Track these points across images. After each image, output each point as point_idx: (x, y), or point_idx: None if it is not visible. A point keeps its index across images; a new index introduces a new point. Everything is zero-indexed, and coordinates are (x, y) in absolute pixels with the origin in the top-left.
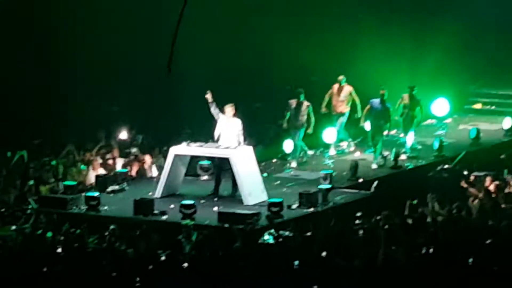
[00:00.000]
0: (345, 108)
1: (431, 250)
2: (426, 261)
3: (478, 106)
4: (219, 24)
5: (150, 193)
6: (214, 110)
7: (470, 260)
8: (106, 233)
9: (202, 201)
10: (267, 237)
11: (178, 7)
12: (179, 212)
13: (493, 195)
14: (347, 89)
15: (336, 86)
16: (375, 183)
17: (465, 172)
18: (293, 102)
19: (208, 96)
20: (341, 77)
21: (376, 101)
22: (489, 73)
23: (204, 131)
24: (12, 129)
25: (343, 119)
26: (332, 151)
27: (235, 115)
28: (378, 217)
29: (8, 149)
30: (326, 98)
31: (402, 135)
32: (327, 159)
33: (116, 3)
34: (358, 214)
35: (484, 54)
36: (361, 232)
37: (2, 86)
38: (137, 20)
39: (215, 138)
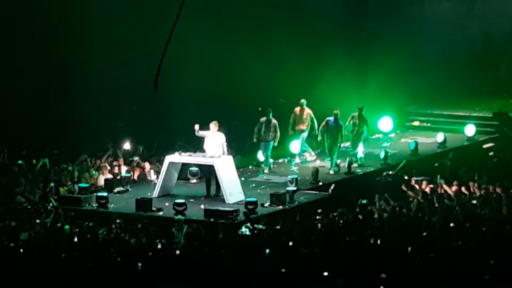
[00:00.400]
0: (305, 126)
1: (378, 241)
2: (374, 249)
3: (416, 123)
4: (205, 55)
5: (149, 194)
6: (198, 134)
7: (409, 248)
8: (113, 226)
9: (192, 200)
10: (244, 230)
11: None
12: (172, 209)
13: (429, 196)
14: (307, 111)
15: (298, 108)
16: (332, 186)
17: (406, 177)
18: (263, 120)
19: (196, 127)
20: (302, 101)
21: (331, 119)
22: (425, 96)
23: (192, 143)
24: (36, 141)
25: (305, 135)
26: (297, 160)
27: (218, 129)
28: (335, 214)
29: (33, 157)
30: (291, 121)
31: (348, 144)
32: (293, 166)
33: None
34: (319, 211)
35: (421, 79)
36: (320, 225)
37: (33, 110)
38: (135, 48)
39: (205, 149)
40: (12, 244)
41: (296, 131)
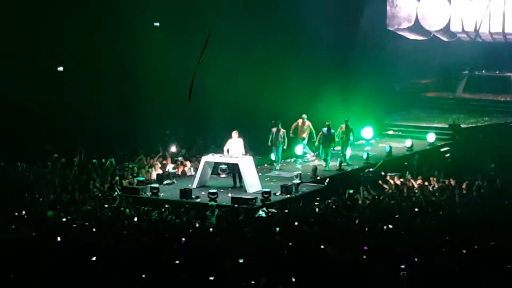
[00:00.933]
0: (306, 135)
1: (361, 221)
2: (358, 227)
3: (390, 132)
4: (231, 79)
5: (190, 185)
6: (225, 148)
7: (385, 227)
8: (163, 210)
9: (221, 190)
10: (261, 213)
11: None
12: (207, 197)
13: (399, 187)
14: (307, 123)
15: (300, 120)
16: (327, 180)
17: (382, 173)
18: (274, 130)
19: (225, 150)
20: (303, 115)
21: (325, 129)
22: (397, 110)
23: (222, 146)
24: (105, 145)
25: (305, 141)
26: (300, 160)
27: (238, 136)
28: (329, 201)
29: (103, 157)
30: (293, 127)
31: (339, 148)
32: (297, 165)
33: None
34: (317, 198)
35: (394, 98)
36: (318, 210)
37: (104, 121)
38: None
39: (224, 151)
40: (87, 223)
41: (298, 138)
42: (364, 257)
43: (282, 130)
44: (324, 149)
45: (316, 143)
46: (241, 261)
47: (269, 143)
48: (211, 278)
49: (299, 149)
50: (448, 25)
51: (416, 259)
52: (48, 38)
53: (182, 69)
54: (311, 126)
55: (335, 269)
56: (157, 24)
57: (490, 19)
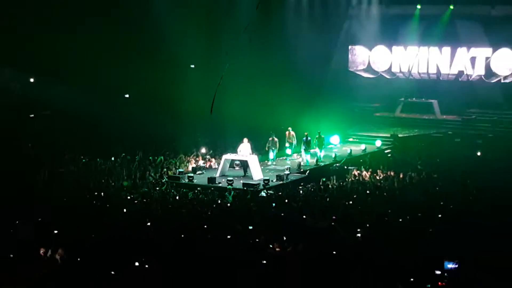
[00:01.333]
0: (291, 141)
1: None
2: (329, 203)
3: (351, 139)
4: (246, 98)
5: (214, 175)
6: (239, 149)
7: (347, 203)
8: (196, 191)
9: (236, 178)
10: (262, 194)
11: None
12: (226, 182)
13: (357, 177)
14: (292, 133)
15: (288, 132)
16: (308, 171)
17: (345, 167)
18: (270, 138)
19: (238, 151)
20: (290, 128)
21: (304, 138)
22: (356, 124)
23: (236, 148)
24: (157, 148)
25: (292, 146)
26: (289, 158)
27: (247, 142)
28: (309, 185)
29: (155, 155)
30: (287, 136)
31: (316, 150)
32: (287, 161)
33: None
34: (301, 184)
35: (354, 115)
36: (301, 192)
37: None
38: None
39: (237, 152)
40: (144, 200)
41: (288, 143)
42: (333, 224)
43: (275, 139)
44: (305, 151)
45: (301, 149)
46: (250, 227)
47: (266, 148)
48: (228, 237)
49: (288, 151)
50: (390, 67)
51: (368, 225)
52: (116, 73)
53: (208, 95)
54: (294, 135)
55: (312, 232)
56: (192, 66)
57: (419, 63)
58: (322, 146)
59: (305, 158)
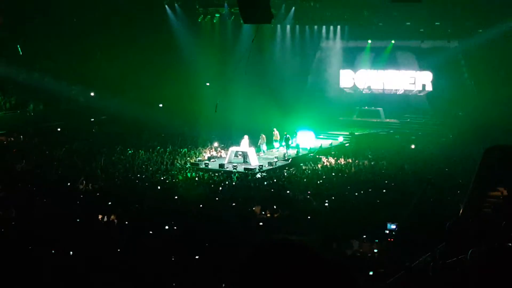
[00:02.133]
0: (277, 138)
1: (306, 179)
2: (305, 182)
3: (321, 136)
4: (245, 103)
5: (224, 162)
6: (241, 145)
7: (319, 182)
8: (210, 173)
9: (239, 164)
10: (258, 175)
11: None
12: (232, 167)
13: (325, 163)
14: (276, 132)
15: (274, 131)
16: (290, 159)
17: (317, 156)
18: (261, 136)
19: (241, 144)
20: (274, 128)
21: (285, 136)
22: (326, 124)
23: (238, 143)
24: (182, 142)
25: (278, 142)
26: (275, 150)
27: (247, 138)
28: (291, 169)
29: (180, 147)
30: (274, 134)
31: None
32: (276, 153)
33: None
34: (286, 168)
35: (324, 118)
36: (285, 174)
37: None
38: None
39: (240, 145)
40: (173, 180)
41: (274, 140)
42: (308, 196)
43: (264, 136)
44: (286, 146)
45: (282, 143)
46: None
47: (258, 144)
48: (233, 204)
49: (276, 145)
50: (355, 85)
51: (333, 198)
52: (153, 88)
53: (219, 106)
54: (278, 134)
55: (294, 203)
56: (208, 84)
57: (371, 82)
58: (288, 143)
59: (286, 150)
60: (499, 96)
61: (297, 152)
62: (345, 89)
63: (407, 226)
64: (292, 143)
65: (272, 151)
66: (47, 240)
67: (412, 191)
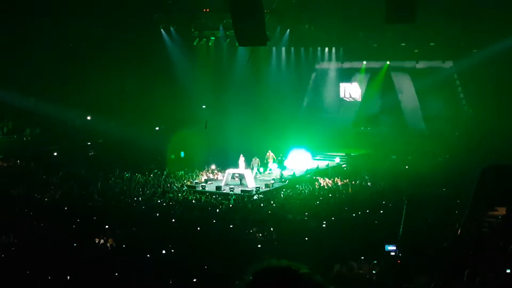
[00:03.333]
0: (271, 160)
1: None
2: (303, 202)
3: (318, 157)
4: (238, 124)
5: (221, 184)
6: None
7: (316, 202)
8: (207, 194)
9: (236, 186)
10: (255, 197)
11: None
12: (228, 189)
13: (322, 184)
14: (271, 154)
15: (268, 153)
16: (287, 181)
17: (314, 177)
18: (254, 159)
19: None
20: (269, 151)
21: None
22: (321, 145)
23: (235, 165)
24: (178, 166)
25: (271, 163)
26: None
27: (244, 159)
28: (288, 190)
29: (177, 170)
30: (267, 156)
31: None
32: (272, 174)
33: None
34: (283, 190)
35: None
36: (282, 195)
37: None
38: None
39: (239, 164)
40: (170, 203)
41: (268, 161)
42: (306, 214)
43: (257, 159)
44: (281, 167)
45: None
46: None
47: (251, 166)
48: (231, 226)
49: (270, 166)
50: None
51: (333, 218)
52: (149, 112)
53: (214, 127)
54: (273, 155)
55: (291, 225)
56: (204, 106)
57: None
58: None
59: (279, 172)
60: (494, 116)
61: (293, 174)
62: (345, 99)
63: (406, 247)
64: (278, 167)
65: (266, 173)
66: (44, 264)
67: (409, 213)
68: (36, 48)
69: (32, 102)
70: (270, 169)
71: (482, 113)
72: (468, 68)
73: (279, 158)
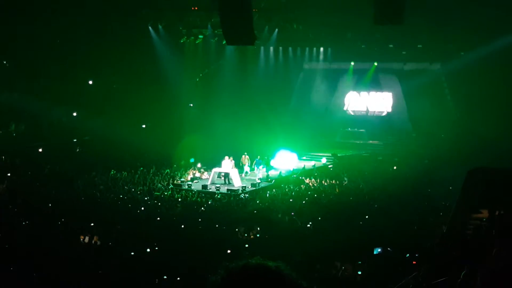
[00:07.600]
0: (247, 163)
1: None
2: (290, 201)
3: (304, 158)
4: (231, 127)
5: (207, 183)
6: (223, 166)
7: (304, 201)
8: (193, 193)
9: (222, 185)
10: (242, 196)
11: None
12: (215, 188)
13: (309, 184)
14: (247, 156)
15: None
16: (273, 180)
17: (300, 177)
18: (242, 159)
19: (223, 165)
20: (245, 153)
21: (257, 159)
22: (308, 146)
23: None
24: (166, 164)
25: (248, 166)
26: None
27: (230, 159)
28: (274, 190)
29: (165, 169)
30: (242, 160)
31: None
32: (258, 174)
33: None
34: (268, 190)
35: (300, 142)
36: (268, 194)
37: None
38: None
39: (222, 166)
40: (155, 201)
41: (243, 164)
42: (292, 214)
43: (247, 157)
44: (258, 170)
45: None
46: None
47: (240, 164)
48: (217, 226)
49: (246, 169)
50: (347, 108)
51: (319, 218)
52: (137, 109)
53: (201, 124)
54: (248, 159)
55: (277, 225)
56: (191, 104)
57: (354, 104)
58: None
59: (264, 172)
60: (481, 118)
61: (279, 174)
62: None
63: (391, 248)
64: (263, 167)
65: (242, 175)
66: (29, 260)
67: (394, 213)
68: (22, 45)
69: (16, 98)
70: (246, 172)
71: (469, 115)
72: (456, 70)
73: (266, 158)
